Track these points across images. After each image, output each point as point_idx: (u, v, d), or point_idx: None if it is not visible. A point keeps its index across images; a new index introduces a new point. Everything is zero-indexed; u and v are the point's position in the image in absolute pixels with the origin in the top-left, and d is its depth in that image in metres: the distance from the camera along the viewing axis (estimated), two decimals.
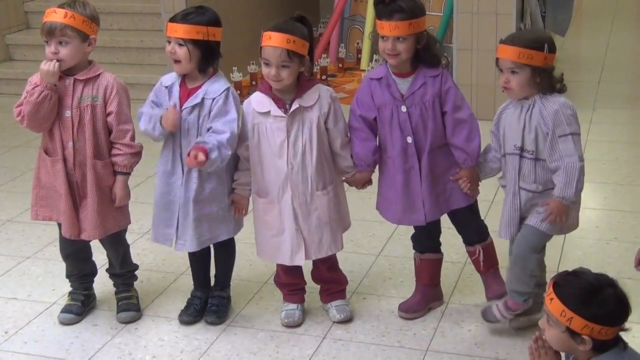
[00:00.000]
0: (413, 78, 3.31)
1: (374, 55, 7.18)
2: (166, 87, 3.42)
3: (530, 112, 3.19)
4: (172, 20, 3.36)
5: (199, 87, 3.37)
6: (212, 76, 3.40)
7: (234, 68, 6.68)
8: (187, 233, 3.43)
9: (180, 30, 3.30)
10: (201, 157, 3.22)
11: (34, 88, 3.34)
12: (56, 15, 3.35)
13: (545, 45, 3.13)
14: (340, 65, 7.49)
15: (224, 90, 3.35)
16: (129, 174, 3.51)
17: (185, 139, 3.36)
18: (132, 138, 3.48)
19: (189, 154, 3.25)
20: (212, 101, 3.34)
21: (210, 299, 3.64)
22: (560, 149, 3.14)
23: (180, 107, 3.36)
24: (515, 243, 3.30)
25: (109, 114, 3.44)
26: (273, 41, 3.23)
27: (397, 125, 3.32)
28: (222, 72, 3.44)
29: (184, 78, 3.41)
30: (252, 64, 7.01)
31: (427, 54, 3.30)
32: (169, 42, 3.34)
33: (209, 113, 3.34)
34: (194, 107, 3.35)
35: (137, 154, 3.50)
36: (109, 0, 7.53)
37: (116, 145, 3.47)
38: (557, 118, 3.14)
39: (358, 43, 7.63)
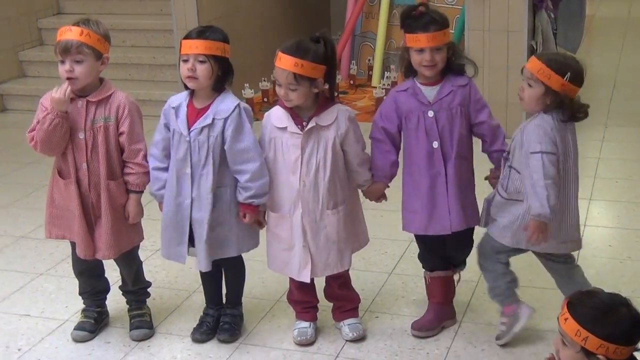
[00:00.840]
0: (441, 86, 3.37)
1: (386, 73, 7.20)
2: (173, 107, 3.42)
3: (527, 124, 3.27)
4: (187, 37, 3.34)
5: (208, 107, 3.36)
6: (220, 94, 3.39)
7: (245, 85, 6.70)
8: (200, 253, 3.44)
9: (201, 46, 3.29)
10: (250, 217, 3.38)
11: (45, 115, 3.33)
12: (71, 33, 3.35)
13: (568, 73, 3.15)
14: (352, 82, 7.51)
15: (234, 108, 3.35)
16: (142, 192, 3.52)
17: (196, 158, 3.36)
18: (144, 157, 3.49)
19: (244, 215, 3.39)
20: (224, 121, 3.34)
21: (222, 317, 3.63)
22: (529, 164, 3.19)
23: (188, 128, 3.36)
24: (478, 249, 3.46)
25: (121, 133, 3.44)
26: (282, 63, 3.24)
27: (423, 130, 3.36)
28: (229, 89, 3.44)
29: (191, 98, 3.41)
30: (264, 80, 7.03)
31: (454, 63, 3.38)
32: (186, 60, 3.32)
33: (222, 133, 3.34)
34: (203, 128, 3.35)
35: (149, 173, 3.51)
36: (121, 17, 7.58)
37: (128, 164, 3.48)
38: (534, 134, 3.19)
39: (369, 60, 7.65)
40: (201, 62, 3.30)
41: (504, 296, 3.44)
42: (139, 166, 3.47)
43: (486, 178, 3.53)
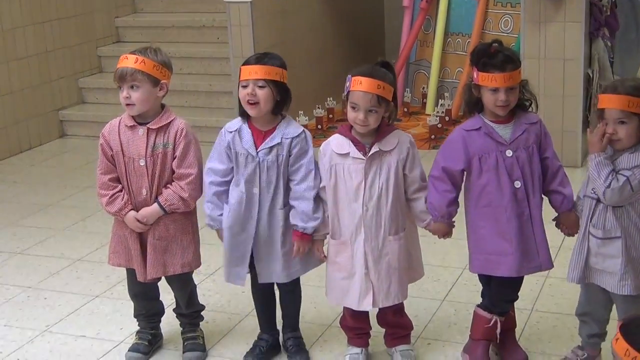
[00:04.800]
0: (514, 124, 3.30)
1: (440, 100, 7.20)
2: (232, 132, 3.45)
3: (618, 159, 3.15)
4: (247, 63, 3.39)
5: (274, 129, 3.41)
6: (283, 119, 3.44)
7: (300, 112, 6.75)
8: (274, 266, 3.46)
9: (261, 71, 3.34)
10: (305, 247, 3.42)
11: (116, 212, 3.51)
12: (128, 61, 3.44)
13: None
14: (406, 109, 7.52)
15: (301, 132, 3.42)
16: (166, 211, 3.50)
17: (265, 178, 3.40)
18: (190, 184, 3.48)
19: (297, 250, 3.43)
20: (291, 140, 3.39)
21: (286, 342, 3.66)
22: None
23: (256, 149, 3.40)
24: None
25: (174, 157, 3.50)
26: (364, 86, 3.25)
27: (504, 171, 3.27)
28: (290, 117, 3.49)
29: (251, 122, 3.45)
30: (318, 107, 7.08)
31: (522, 99, 3.32)
32: (245, 86, 3.36)
33: (289, 152, 3.39)
34: (272, 147, 3.39)
35: (185, 202, 3.50)
36: (179, 46, 7.72)
37: (172, 183, 3.51)
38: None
39: (424, 88, 7.66)
40: (260, 87, 3.34)
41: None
42: (181, 189, 3.48)
43: (554, 219, 3.43)
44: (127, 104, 3.45)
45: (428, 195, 3.37)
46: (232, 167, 3.46)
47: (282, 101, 3.40)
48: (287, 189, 3.43)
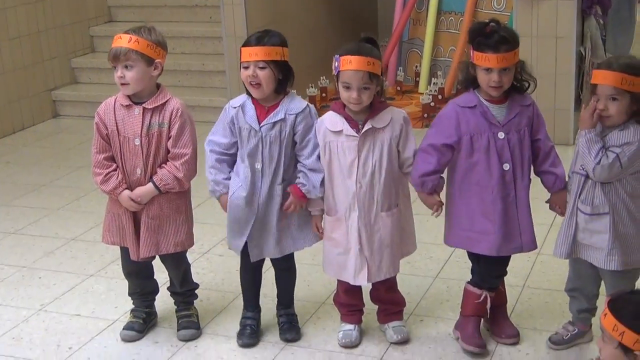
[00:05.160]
0: (508, 106, 3.30)
1: (432, 79, 7.20)
2: (235, 107, 3.45)
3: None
4: (247, 45, 3.39)
5: (277, 104, 3.42)
6: (287, 95, 3.45)
7: (293, 91, 6.74)
8: (267, 242, 3.49)
9: (261, 53, 3.34)
10: (297, 206, 3.44)
11: (110, 191, 3.51)
12: (121, 41, 3.44)
13: None
14: (399, 88, 7.52)
15: (305, 107, 3.43)
16: (160, 191, 3.52)
17: (267, 153, 3.41)
18: (184, 164, 3.49)
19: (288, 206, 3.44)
20: (295, 117, 3.40)
21: (279, 318, 3.69)
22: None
23: (259, 123, 3.41)
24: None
25: (169, 137, 3.51)
26: (354, 65, 3.26)
27: (494, 152, 3.28)
28: (295, 92, 3.50)
29: (254, 99, 3.45)
30: (311, 87, 7.08)
31: (519, 80, 3.31)
32: (246, 67, 3.36)
33: (292, 128, 3.40)
34: (275, 123, 3.40)
35: (179, 182, 3.51)
36: (171, 25, 7.69)
37: (166, 163, 3.52)
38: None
39: (416, 66, 7.66)
40: (261, 68, 3.35)
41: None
42: (176, 169, 3.49)
43: (548, 202, 3.45)
44: (122, 84, 3.45)
45: (413, 166, 3.38)
46: (235, 142, 3.47)
47: (284, 79, 3.41)
48: (289, 166, 3.45)
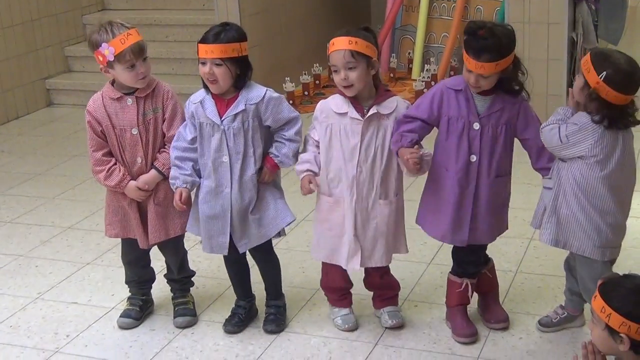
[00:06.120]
0: (492, 99, 3.29)
1: (426, 66, 7.22)
2: (196, 103, 3.45)
3: None
4: (203, 41, 3.38)
5: (236, 96, 3.41)
6: (244, 86, 3.43)
7: (286, 78, 6.76)
8: (249, 231, 3.50)
9: (217, 50, 3.32)
10: (270, 177, 3.46)
11: (115, 185, 3.51)
12: (134, 36, 3.45)
13: (604, 72, 3.03)
14: (392, 75, 7.54)
15: (265, 93, 3.42)
16: (164, 176, 3.53)
17: (232, 146, 3.42)
18: None
19: (264, 177, 3.46)
20: (256, 106, 3.39)
21: (267, 309, 3.70)
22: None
23: (220, 117, 3.41)
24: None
25: (164, 120, 3.54)
26: (336, 45, 3.30)
27: (465, 140, 3.29)
28: (252, 81, 3.48)
29: (213, 93, 3.44)
30: (305, 74, 7.09)
31: (509, 83, 3.27)
32: (203, 63, 3.36)
33: (257, 116, 3.41)
34: (236, 115, 3.40)
35: None
36: (164, 12, 7.68)
37: (166, 146, 3.55)
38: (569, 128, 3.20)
39: (409, 53, 7.67)
40: (218, 65, 3.34)
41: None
42: None
43: None
44: (144, 77, 3.48)
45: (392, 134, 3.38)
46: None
47: (242, 74, 3.40)
48: (261, 155, 3.45)
